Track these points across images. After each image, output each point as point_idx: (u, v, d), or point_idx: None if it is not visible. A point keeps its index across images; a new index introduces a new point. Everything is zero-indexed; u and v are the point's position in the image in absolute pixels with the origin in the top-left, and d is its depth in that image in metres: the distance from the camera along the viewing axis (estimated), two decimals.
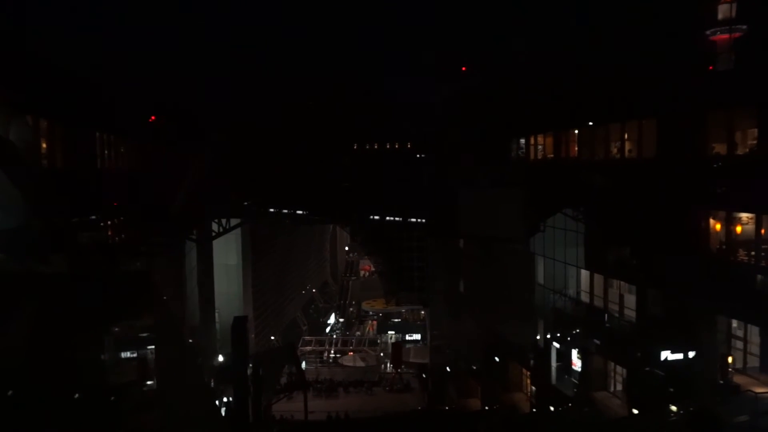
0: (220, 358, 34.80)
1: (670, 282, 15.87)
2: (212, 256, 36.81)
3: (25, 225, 2.36)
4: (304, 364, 37.94)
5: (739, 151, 14.32)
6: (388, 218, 31.87)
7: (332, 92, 37.72)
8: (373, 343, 48.80)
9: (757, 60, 13.99)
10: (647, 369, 16.37)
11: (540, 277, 23.17)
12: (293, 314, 57.59)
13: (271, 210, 34.73)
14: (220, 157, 30.77)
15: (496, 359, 25.95)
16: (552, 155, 21.76)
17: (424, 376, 36.60)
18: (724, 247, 14.81)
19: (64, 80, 18.09)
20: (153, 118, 27.58)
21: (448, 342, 34.18)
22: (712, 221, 15.16)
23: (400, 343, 42.72)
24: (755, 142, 13.85)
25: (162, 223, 25.47)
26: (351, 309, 70.21)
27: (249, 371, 21.94)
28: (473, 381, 29.12)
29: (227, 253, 40.66)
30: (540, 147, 22.86)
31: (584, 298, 20.58)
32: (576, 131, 20.07)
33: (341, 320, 66.48)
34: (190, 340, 28.33)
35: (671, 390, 15.60)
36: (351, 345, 48.84)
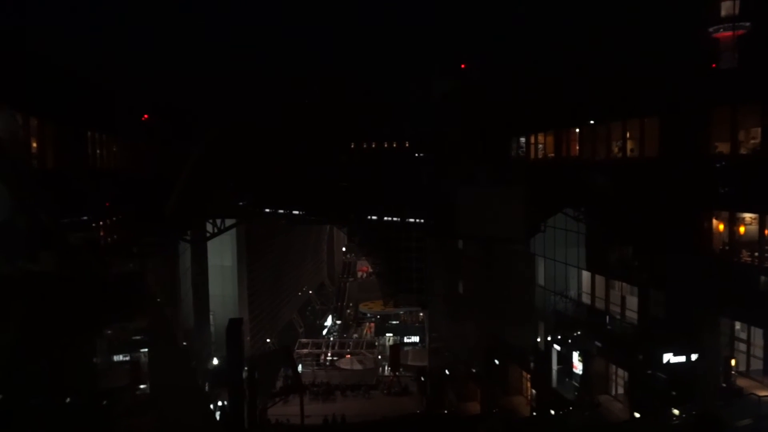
0: (215, 362, 34.42)
1: (673, 283, 15.66)
2: (207, 258, 36.47)
3: (11, 220, 2.09)
4: (300, 367, 37.63)
5: (743, 150, 14.12)
6: (386, 218, 31.60)
7: (330, 91, 37.48)
8: (370, 345, 48.56)
9: (760, 58, 13.82)
10: (649, 372, 16.14)
11: (540, 279, 22.94)
12: (289, 316, 57.23)
13: (267, 210, 34.39)
14: (214, 157, 30.40)
15: (496, 362, 25.69)
16: (553, 154, 21.55)
17: (422, 379, 36.35)
18: (727, 247, 14.59)
19: (55, 77, 17.70)
20: (146, 116, 27.20)
21: (447, 344, 33.90)
22: (714, 222, 14.94)
23: (398, 346, 42.48)
24: (759, 141, 13.65)
25: (155, 224, 25.07)
26: (348, 311, 69.91)
27: (244, 375, 21.62)
28: (472, 384, 28.87)
29: (222, 255, 40.33)
30: (540, 146, 22.65)
31: (585, 299, 20.35)
32: (577, 130, 19.87)
33: (338, 322, 66.16)
34: (184, 343, 27.91)
35: (673, 393, 15.39)
36: (348, 348, 48.58)
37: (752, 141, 13.89)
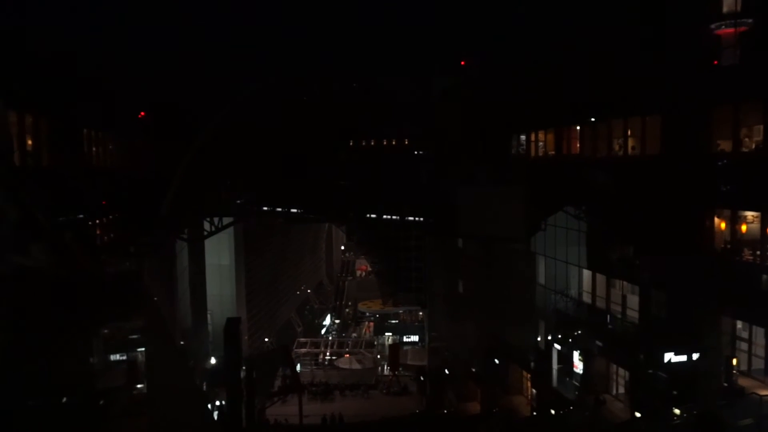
0: (213, 361, 34.30)
1: (674, 282, 15.58)
2: (204, 256, 36.29)
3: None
4: (298, 367, 37.48)
5: (745, 148, 14.02)
6: (385, 217, 31.44)
7: (329, 90, 37.32)
8: (369, 344, 48.43)
9: (762, 55, 13.70)
10: (650, 371, 16.07)
11: (541, 278, 22.85)
12: (288, 315, 57.06)
13: (265, 208, 34.22)
14: (211, 155, 30.23)
15: (496, 361, 25.60)
16: (553, 152, 21.44)
17: (422, 378, 36.23)
18: (728, 246, 14.50)
19: (52, 74, 17.49)
20: (143, 114, 26.99)
21: (447, 344, 33.81)
22: (716, 220, 14.85)
23: (397, 345, 42.37)
24: (761, 138, 13.55)
25: (152, 223, 24.89)
26: (347, 310, 69.79)
27: (242, 374, 21.48)
28: (472, 384, 28.77)
29: (220, 253, 40.15)
30: (541, 144, 22.54)
31: (586, 298, 20.26)
32: (578, 127, 19.76)
33: (337, 321, 66.03)
34: (182, 343, 27.76)
35: (675, 393, 15.32)
36: (347, 347, 48.44)
37: (755, 138, 13.79)
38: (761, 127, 13.51)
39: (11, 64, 14.53)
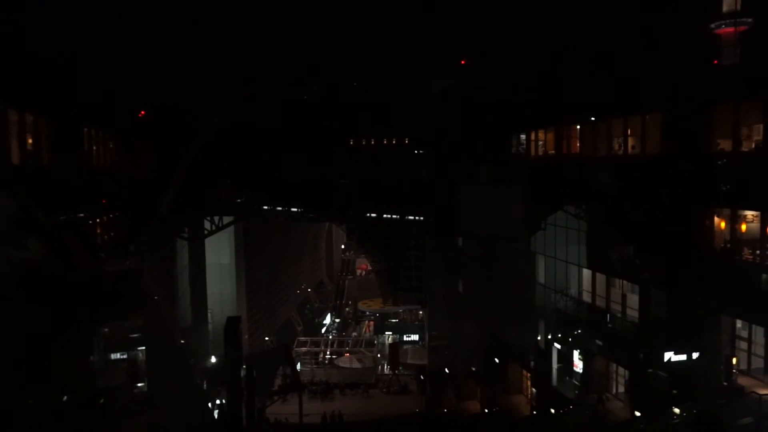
0: (213, 360, 34.32)
1: (674, 281, 15.57)
2: (204, 255, 36.30)
3: None
4: (299, 366, 37.47)
5: (745, 148, 14.01)
6: (385, 216, 31.45)
7: (329, 89, 37.30)
8: (369, 344, 48.43)
9: (762, 54, 13.69)
10: (650, 370, 16.07)
11: (541, 277, 22.84)
12: (288, 314, 57.08)
13: (265, 207, 34.24)
14: (211, 154, 30.25)
15: (496, 361, 25.60)
16: (553, 151, 21.42)
17: (422, 377, 36.26)
18: (728, 245, 14.50)
19: (52, 74, 17.49)
20: (143, 113, 26.99)
21: (447, 343, 33.82)
22: (716, 219, 14.85)
23: (397, 344, 42.40)
24: (761, 138, 13.53)
25: (152, 222, 24.91)
26: (347, 309, 69.82)
27: (242, 373, 21.45)
28: (472, 383, 28.78)
29: (220, 252, 40.18)
30: (541, 143, 22.53)
31: (586, 298, 20.25)
32: (578, 127, 19.75)
33: (337, 320, 66.06)
34: (182, 342, 27.78)
35: (674, 392, 15.33)
36: (347, 346, 48.46)
37: (755, 138, 13.78)
38: (761, 126, 13.50)
39: (11, 63, 14.53)
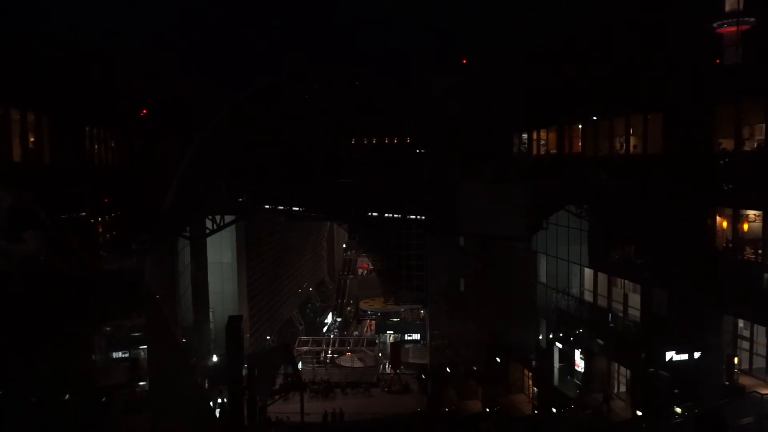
0: (215, 359, 34.37)
1: (676, 281, 15.55)
2: (206, 254, 36.36)
3: None
4: (300, 365, 37.56)
5: (747, 147, 13.98)
6: (386, 215, 31.44)
7: (330, 87, 37.31)
8: (371, 343, 48.41)
9: (765, 53, 13.64)
10: (652, 370, 16.06)
11: (542, 276, 22.82)
12: (289, 314, 57.14)
13: (267, 206, 34.26)
14: (212, 153, 30.29)
15: (497, 360, 25.61)
16: (555, 151, 21.40)
17: (423, 377, 36.31)
18: (730, 245, 14.47)
19: (53, 71, 17.51)
20: (144, 112, 27.02)
21: (448, 342, 33.84)
22: (718, 219, 14.82)
23: (398, 344, 42.37)
24: (763, 137, 13.51)
25: (154, 220, 24.96)
26: (348, 308, 69.87)
27: (244, 372, 21.49)
28: (474, 382, 28.79)
29: (221, 251, 40.25)
30: (543, 142, 22.51)
31: (588, 297, 20.24)
32: (580, 126, 19.73)
33: (338, 320, 66.11)
34: (183, 341, 27.81)
35: (676, 391, 15.32)
36: (348, 345, 48.48)
37: (756, 137, 13.75)
38: (763, 125, 13.47)
39: (14, 62, 14.56)
